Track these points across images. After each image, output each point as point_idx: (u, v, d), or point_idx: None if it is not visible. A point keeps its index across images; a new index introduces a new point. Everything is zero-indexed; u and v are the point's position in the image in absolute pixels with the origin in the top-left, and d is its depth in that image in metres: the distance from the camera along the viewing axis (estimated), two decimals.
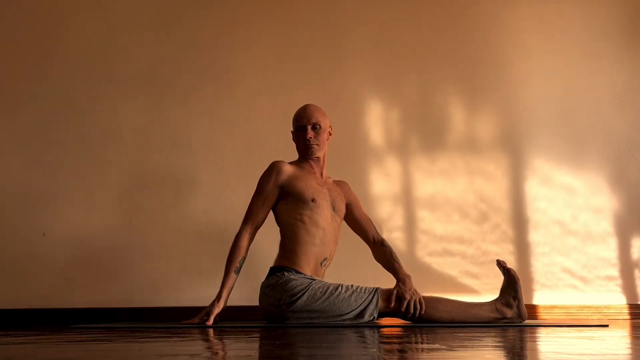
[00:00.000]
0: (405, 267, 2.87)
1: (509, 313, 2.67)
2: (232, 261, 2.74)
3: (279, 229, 2.87)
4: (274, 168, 2.84)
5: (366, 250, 3.01)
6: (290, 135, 3.00)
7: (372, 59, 3.64)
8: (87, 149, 3.55)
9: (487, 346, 1.58)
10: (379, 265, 2.94)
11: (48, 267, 3.44)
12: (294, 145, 2.98)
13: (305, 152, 2.88)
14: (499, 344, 1.64)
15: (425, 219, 3.50)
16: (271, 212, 2.89)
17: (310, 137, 2.85)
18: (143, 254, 3.45)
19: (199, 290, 3.32)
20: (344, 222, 2.99)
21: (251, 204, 2.84)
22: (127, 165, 3.54)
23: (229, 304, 2.77)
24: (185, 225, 3.47)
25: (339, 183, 3.02)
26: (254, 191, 2.87)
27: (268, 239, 2.96)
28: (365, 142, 3.55)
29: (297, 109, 2.95)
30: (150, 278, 3.42)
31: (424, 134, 3.57)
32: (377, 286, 2.70)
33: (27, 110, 3.59)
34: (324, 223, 2.79)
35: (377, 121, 3.59)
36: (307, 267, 2.73)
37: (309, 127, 2.86)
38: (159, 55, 3.64)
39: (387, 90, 3.62)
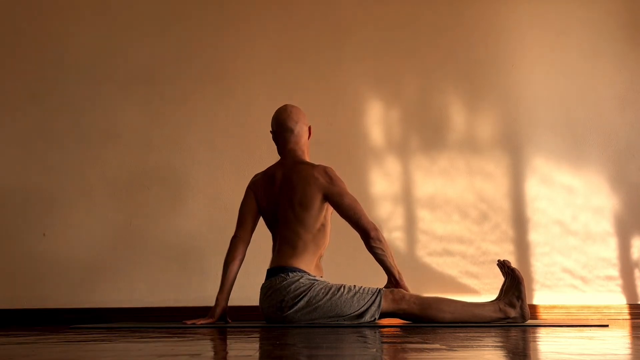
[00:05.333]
0: (405, 267, 2.86)
1: (513, 313, 2.65)
2: (224, 271, 2.74)
3: (273, 231, 2.84)
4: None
5: (365, 250, 2.99)
6: None
7: (372, 59, 3.63)
8: (87, 148, 3.55)
9: (487, 346, 1.58)
10: (379, 266, 2.92)
11: (48, 267, 3.44)
12: None
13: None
14: (499, 344, 1.64)
15: (425, 219, 3.49)
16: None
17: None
18: (143, 254, 3.45)
19: (199, 290, 3.32)
20: (339, 218, 2.97)
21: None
22: (127, 165, 3.54)
23: (230, 304, 2.76)
24: (185, 225, 3.47)
25: None
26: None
27: (268, 239, 2.95)
28: (365, 142, 3.55)
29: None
30: (150, 278, 3.42)
31: (424, 133, 3.57)
32: (379, 287, 2.68)
33: (27, 110, 3.59)
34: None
35: (377, 121, 3.59)
36: (312, 266, 2.71)
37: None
38: (159, 56, 3.64)
39: (387, 90, 3.62)
